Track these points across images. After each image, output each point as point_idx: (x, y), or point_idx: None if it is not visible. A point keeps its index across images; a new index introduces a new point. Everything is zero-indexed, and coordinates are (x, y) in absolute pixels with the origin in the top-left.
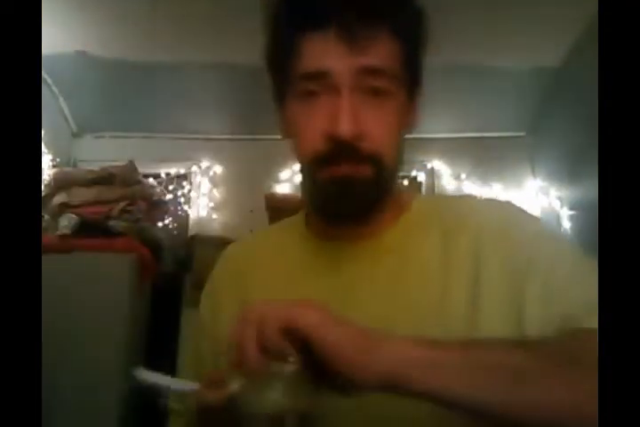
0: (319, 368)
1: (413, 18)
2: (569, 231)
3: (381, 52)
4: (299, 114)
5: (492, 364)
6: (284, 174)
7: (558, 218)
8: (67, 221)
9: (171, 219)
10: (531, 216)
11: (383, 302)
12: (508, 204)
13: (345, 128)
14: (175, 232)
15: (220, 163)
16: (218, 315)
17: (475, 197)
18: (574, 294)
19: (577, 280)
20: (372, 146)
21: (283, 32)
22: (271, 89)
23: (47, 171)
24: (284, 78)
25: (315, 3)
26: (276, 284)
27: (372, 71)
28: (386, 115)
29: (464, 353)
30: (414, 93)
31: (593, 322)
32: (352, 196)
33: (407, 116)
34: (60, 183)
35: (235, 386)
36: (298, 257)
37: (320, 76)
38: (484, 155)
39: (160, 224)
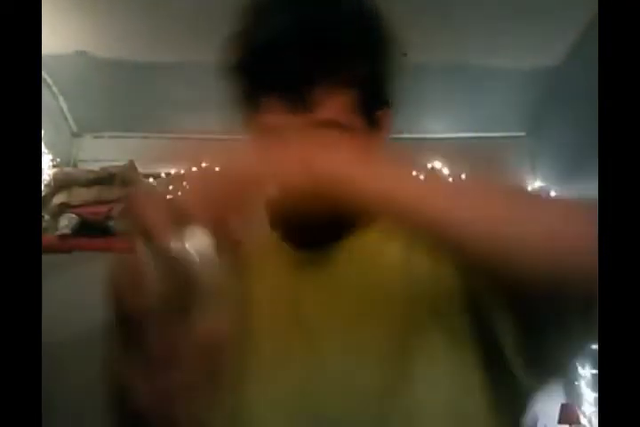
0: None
1: (370, 61)
2: None
3: (333, 105)
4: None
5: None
6: None
7: None
8: (67, 221)
9: None
10: None
11: (355, 302)
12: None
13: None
14: None
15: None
16: None
17: None
18: None
19: None
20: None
21: (242, 86)
22: None
23: (47, 171)
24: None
25: (269, 67)
26: (261, 290)
27: (325, 123)
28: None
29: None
30: (377, 121)
31: None
32: (314, 229)
33: (370, 144)
34: (60, 183)
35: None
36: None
37: (272, 131)
38: (484, 155)
39: None
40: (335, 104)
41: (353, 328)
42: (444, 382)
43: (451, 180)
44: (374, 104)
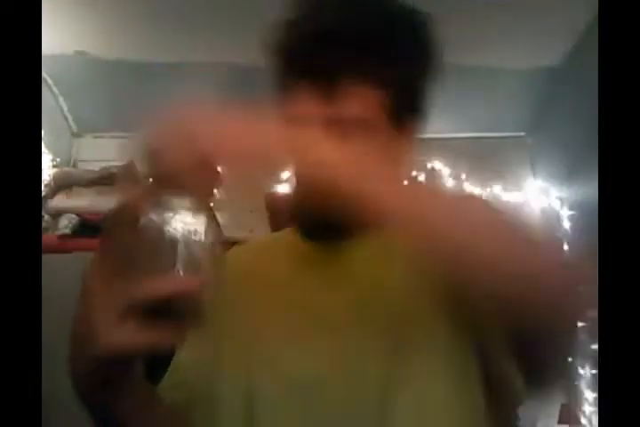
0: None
1: (401, 65)
2: (569, 231)
3: (363, 104)
4: None
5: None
6: (284, 174)
7: (558, 218)
8: (67, 221)
9: None
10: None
11: (367, 293)
12: (479, 199)
13: None
14: None
15: None
16: None
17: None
18: None
19: None
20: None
21: (278, 72)
22: None
23: (47, 171)
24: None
25: (307, 58)
26: (270, 289)
27: (352, 120)
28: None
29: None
30: (404, 125)
31: None
32: (332, 222)
33: (394, 147)
34: (60, 183)
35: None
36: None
37: (299, 121)
38: (484, 155)
39: None
40: (364, 101)
41: (360, 324)
42: (444, 378)
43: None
44: (405, 109)
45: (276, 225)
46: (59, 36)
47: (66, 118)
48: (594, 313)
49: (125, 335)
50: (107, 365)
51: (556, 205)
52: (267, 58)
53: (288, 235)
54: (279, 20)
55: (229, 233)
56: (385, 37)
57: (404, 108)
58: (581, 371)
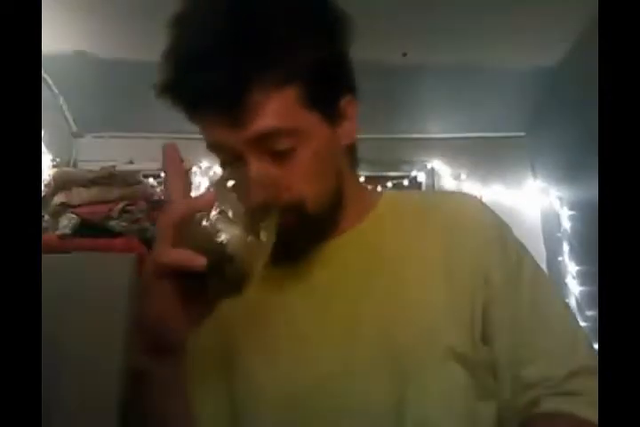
0: None
1: (311, 47)
2: (569, 231)
3: (272, 111)
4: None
5: None
6: None
7: (558, 218)
8: (67, 221)
9: None
10: (493, 216)
11: (353, 302)
12: (474, 199)
13: (252, 196)
14: None
15: None
16: None
17: (443, 192)
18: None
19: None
20: (290, 198)
21: (177, 107)
22: None
23: (47, 171)
24: None
25: (190, 83)
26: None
27: (267, 134)
28: (298, 164)
29: None
30: (337, 111)
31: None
32: (284, 244)
33: (336, 137)
34: (60, 183)
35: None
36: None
37: (219, 148)
38: (484, 155)
39: None
40: (275, 108)
41: (345, 333)
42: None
43: None
44: (329, 94)
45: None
46: (58, 36)
47: (66, 118)
48: (594, 313)
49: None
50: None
51: (556, 204)
52: (162, 101)
53: None
54: (161, 56)
55: None
56: (274, 21)
57: (330, 95)
58: None
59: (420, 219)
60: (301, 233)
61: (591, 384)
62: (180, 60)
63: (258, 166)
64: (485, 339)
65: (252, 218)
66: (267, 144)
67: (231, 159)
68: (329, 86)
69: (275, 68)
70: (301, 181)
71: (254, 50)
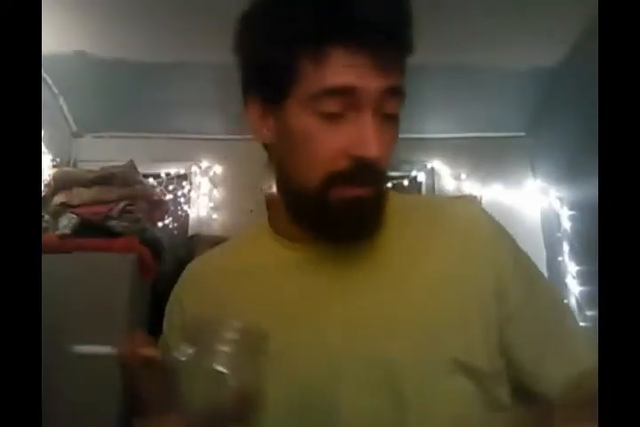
0: None
1: (411, 32)
2: (569, 231)
3: (399, 73)
4: (313, 131)
5: None
6: None
7: (558, 218)
8: (67, 221)
9: (171, 219)
10: (497, 226)
11: (384, 305)
12: (477, 207)
13: (374, 150)
14: (175, 232)
15: (220, 163)
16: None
17: (447, 199)
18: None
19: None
20: (385, 167)
21: (314, 37)
22: (243, 90)
23: (47, 171)
24: (284, 88)
25: (343, 17)
26: (255, 297)
27: (393, 93)
28: (393, 136)
29: None
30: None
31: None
32: (363, 217)
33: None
34: (60, 183)
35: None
36: (273, 267)
37: (345, 93)
38: (484, 155)
39: (160, 224)
40: (399, 71)
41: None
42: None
43: None
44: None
45: (276, 225)
46: (58, 36)
47: (65, 118)
48: (594, 313)
49: None
50: None
51: (556, 204)
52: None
53: (267, 240)
54: None
55: (229, 233)
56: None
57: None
58: None
59: (427, 227)
60: (378, 204)
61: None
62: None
63: (376, 121)
64: (503, 351)
65: None
66: (386, 103)
67: (342, 110)
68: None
69: (407, 40)
70: (393, 149)
71: (408, 17)
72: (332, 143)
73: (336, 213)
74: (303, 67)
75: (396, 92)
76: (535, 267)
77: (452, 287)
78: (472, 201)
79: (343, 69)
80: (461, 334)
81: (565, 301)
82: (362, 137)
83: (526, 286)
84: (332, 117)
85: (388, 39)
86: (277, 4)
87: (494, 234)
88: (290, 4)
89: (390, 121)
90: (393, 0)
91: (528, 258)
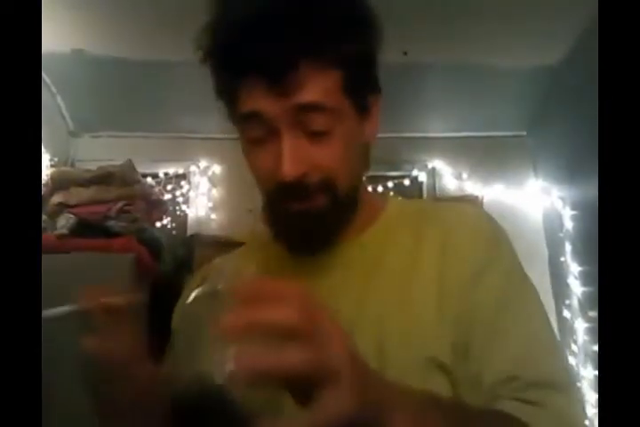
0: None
1: (357, 38)
2: (571, 231)
3: (313, 90)
4: (248, 154)
5: None
6: None
7: (561, 218)
8: (64, 221)
9: (169, 219)
10: (495, 232)
11: (354, 307)
12: (478, 213)
13: (287, 171)
14: (174, 232)
15: (219, 163)
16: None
17: (446, 203)
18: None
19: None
20: (321, 177)
21: (220, 74)
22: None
23: (45, 170)
24: (230, 116)
25: (242, 50)
26: None
27: (309, 110)
28: (331, 146)
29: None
30: (367, 106)
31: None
32: (309, 229)
33: (362, 131)
34: (58, 183)
35: None
36: (277, 274)
37: (256, 118)
38: (485, 155)
39: (158, 224)
40: (320, 85)
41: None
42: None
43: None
44: (363, 87)
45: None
46: (56, 35)
47: (63, 117)
48: (596, 314)
49: None
50: None
51: (558, 204)
52: (202, 60)
53: (269, 247)
54: (209, 18)
55: (229, 233)
56: (329, 9)
57: (364, 88)
58: (583, 372)
59: (420, 233)
60: (329, 216)
61: (556, 401)
62: (233, 27)
63: (292, 141)
64: (465, 347)
65: None
66: (304, 121)
67: (264, 134)
68: (364, 79)
69: (322, 50)
70: (333, 162)
71: (307, 28)
72: (261, 166)
73: (282, 226)
74: (232, 95)
75: (312, 109)
76: (520, 276)
77: (436, 292)
78: (472, 204)
79: (246, 97)
80: (440, 336)
81: (566, 301)
82: (277, 159)
83: (499, 285)
84: (257, 142)
85: (286, 64)
86: (203, 38)
87: (488, 241)
88: (209, 37)
89: (320, 137)
90: (290, 23)
91: (516, 266)
